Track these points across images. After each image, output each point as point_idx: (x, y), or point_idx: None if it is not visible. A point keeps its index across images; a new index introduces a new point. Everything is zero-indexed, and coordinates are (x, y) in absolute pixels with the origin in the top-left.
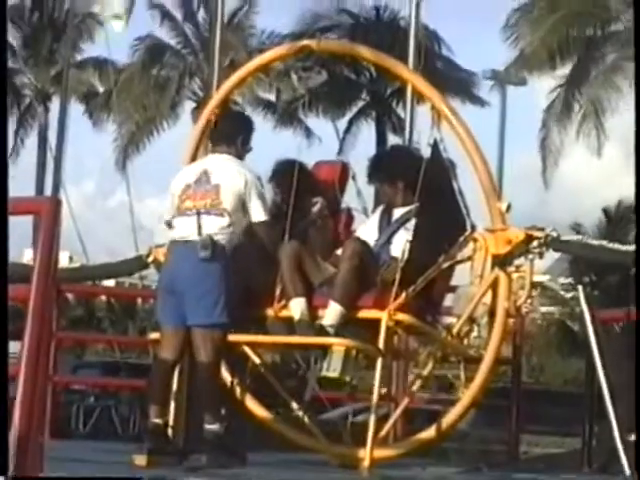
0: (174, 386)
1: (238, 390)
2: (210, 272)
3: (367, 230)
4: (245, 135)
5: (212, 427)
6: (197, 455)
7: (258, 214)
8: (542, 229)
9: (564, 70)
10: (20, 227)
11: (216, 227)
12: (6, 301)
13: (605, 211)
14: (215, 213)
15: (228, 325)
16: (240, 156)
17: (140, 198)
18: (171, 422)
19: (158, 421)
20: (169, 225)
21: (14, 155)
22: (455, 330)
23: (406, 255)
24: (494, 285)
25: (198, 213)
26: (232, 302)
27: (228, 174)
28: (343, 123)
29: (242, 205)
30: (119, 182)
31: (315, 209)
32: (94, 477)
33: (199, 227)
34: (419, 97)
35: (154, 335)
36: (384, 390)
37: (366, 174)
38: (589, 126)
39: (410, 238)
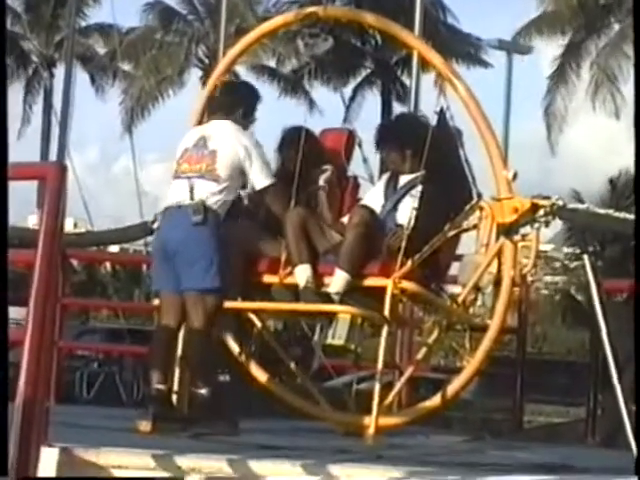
0: (178, 352)
1: (243, 357)
2: (202, 237)
3: (373, 197)
4: (246, 107)
5: (200, 391)
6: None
7: (262, 180)
8: (548, 197)
9: (572, 37)
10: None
11: (208, 192)
12: (6, 268)
13: (610, 180)
14: (208, 178)
15: (221, 290)
16: (241, 127)
17: (144, 165)
18: (175, 388)
19: (161, 387)
20: None
21: (24, 122)
22: (460, 299)
23: (412, 222)
24: (500, 254)
25: (189, 177)
26: (225, 267)
27: (226, 141)
28: (348, 91)
29: (240, 172)
30: (124, 149)
31: (324, 176)
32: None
33: (191, 192)
34: (425, 65)
35: (158, 301)
36: (389, 358)
37: (373, 142)
38: (603, 91)
39: (416, 205)
